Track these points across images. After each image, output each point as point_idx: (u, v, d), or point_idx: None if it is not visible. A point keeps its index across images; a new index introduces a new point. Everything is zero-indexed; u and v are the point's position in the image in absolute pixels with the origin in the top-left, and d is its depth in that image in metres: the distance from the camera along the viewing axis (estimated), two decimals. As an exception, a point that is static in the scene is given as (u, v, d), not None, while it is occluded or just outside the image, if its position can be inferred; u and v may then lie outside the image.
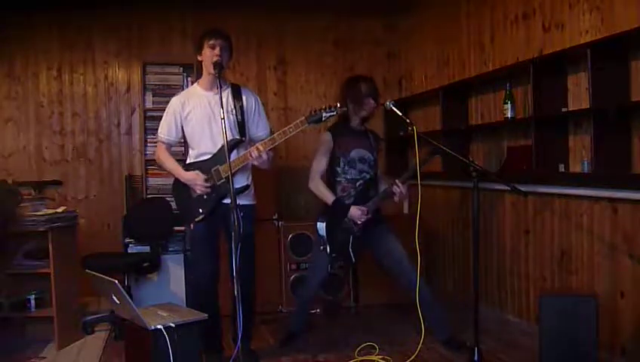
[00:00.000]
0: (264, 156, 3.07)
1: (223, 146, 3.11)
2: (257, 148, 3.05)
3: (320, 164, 3.53)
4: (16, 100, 5.01)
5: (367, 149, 3.54)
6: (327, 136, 3.53)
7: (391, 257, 3.48)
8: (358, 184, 3.49)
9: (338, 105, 3.10)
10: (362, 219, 3.39)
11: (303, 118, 3.07)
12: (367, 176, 3.51)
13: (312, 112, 3.08)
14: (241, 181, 3.18)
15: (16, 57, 5.00)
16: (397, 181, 3.33)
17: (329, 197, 3.45)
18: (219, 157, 3.14)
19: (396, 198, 3.38)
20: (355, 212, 3.39)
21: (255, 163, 3.13)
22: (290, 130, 3.05)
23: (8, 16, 4.81)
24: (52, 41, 5.05)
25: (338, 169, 3.51)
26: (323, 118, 3.07)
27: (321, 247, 3.42)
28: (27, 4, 4.76)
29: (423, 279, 3.41)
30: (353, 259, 3.47)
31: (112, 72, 5.19)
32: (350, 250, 3.43)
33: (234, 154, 3.09)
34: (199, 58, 3.20)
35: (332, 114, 3.08)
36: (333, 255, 3.42)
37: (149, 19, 5.18)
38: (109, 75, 5.18)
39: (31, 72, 5.03)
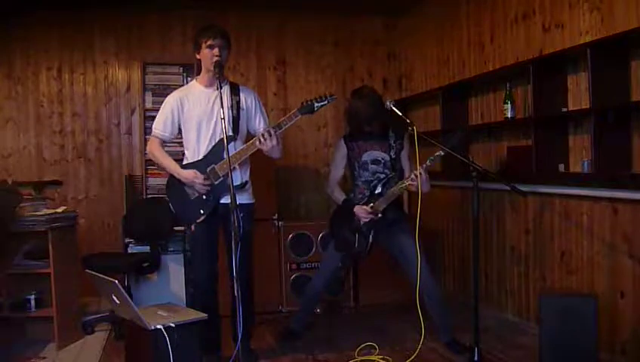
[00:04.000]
0: (273, 141, 3.03)
1: (217, 145, 3.12)
2: (268, 132, 3.02)
3: (335, 171, 3.66)
4: (16, 100, 5.01)
5: (382, 150, 3.54)
6: (340, 144, 3.64)
7: (403, 256, 3.47)
8: (372, 185, 3.51)
9: (328, 94, 3.11)
10: (367, 218, 3.41)
11: (296, 109, 3.09)
12: (382, 177, 3.51)
13: (304, 103, 3.09)
14: (238, 178, 3.17)
15: (16, 57, 5.00)
16: (414, 172, 3.31)
17: (339, 199, 3.58)
18: (213, 155, 3.13)
19: (413, 188, 3.31)
20: (358, 210, 3.44)
21: (264, 148, 3.08)
22: (284, 122, 3.07)
23: (8, 16, 4.81)
24: (52, 41, 5.04)
25: (355, 173, 3.60)
26: (315, 108, 3.08)
27: (334, 242, 3.55)
28: (27, 4, 4.76)
29: (435, 280, 3.45)
30: (361, 251, 3.49)
31: (112, 72, 5.19)
32: (356, 246, 3.47)
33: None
34: (197, 56, 3.18)
35: (323, 103, 3.09)
36: (342, 251, 3.52)
37: (149, 19, 5.18)
38: (109, 75, 5.18)
39: (31, 72, 5.03)
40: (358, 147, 3.56)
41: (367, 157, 3.54)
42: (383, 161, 3.53)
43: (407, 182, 3.31)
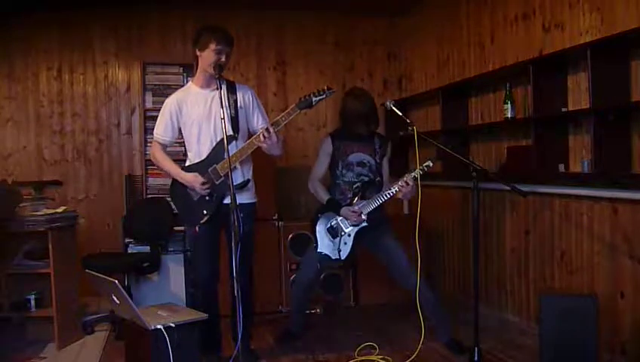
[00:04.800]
0: (273, 139, 3.03)
1: (217, 145, 3.11)
2: (267, 130, 3.01)
3: (319, 167, 3.62)
4: (16, 100, 5.01)
5: (368, 153, 3.56)
6: (326, 141, 3.61)
7: (389, 259, 3.49)
8: (355, 186, 3.51)
9: (326, 87, 3.09)
10: (352, 220, 3.41)
11: (294, 105, 3.08)
12: (366, 179, 3.53)
13: (302, 98, 3.08)
14: (239, 177, 3.17)
15: (16, 57, 4.99)
16: (402, 179, 3.30)
17: (323, 198, 3.53)
18: (214, 155, 3.13)
19: (400, 195, 3.33)
20: (345, 211, 3.43)
21: (264, 146, 3.07)
22: (283, 118, 3.06)
23: (8, 16, 4.81)
24: (52, 41, 5.05)
25: (337, 172, 3.57)
26: (313, 103, 3.06)
27: (314, 245, 3.51)
28: (27, 4, 4.76)
29: (428, 285, 3.44)
30: (341, 257, 3.47)
31: (112, 72, 5.19)
32: (339, 249, 3.45)
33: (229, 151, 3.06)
34: (198, 53, 3.14)
35: (321, 97, 3.07)
36: (323, 253, 3.48)
37: (149, 19, 5.18)
38: (109, 75, 5.18)
39: (31, 72, 5.03)
40: (345, 146, 3.55)
41: (353, 158, 3.54)
42: (368, 165, 3.55)
43: (394, 189, 3.30)
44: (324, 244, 3.49)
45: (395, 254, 3.45)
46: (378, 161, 3.57)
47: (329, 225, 3.48)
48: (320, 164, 3.62)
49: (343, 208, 3.44)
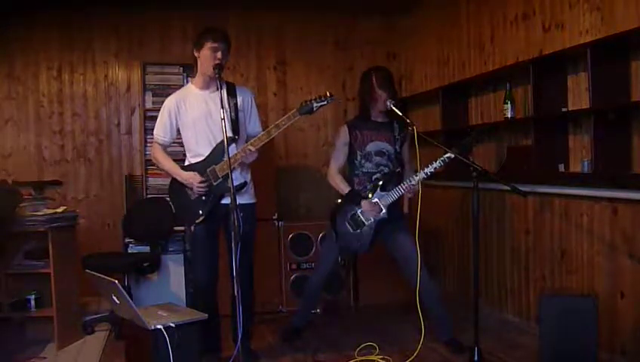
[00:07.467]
0: (256, 154, 3.11)
1: (217, 146, 3.12)
2: (252, 145, 3.08)
3: (337, 159, 3.55)
4: (16, 100, 5.01)
5: (387, 142, 3.47)
6: (343, 130, 3.53)
7: (400, 255, 3.46)
8: (374, 178, 3.44)
9: (328, 94, 3.10)
10: (373, 214, 3.37)
11: (295, 109, 3.09)
12: (386, 170, 3.45)
13: (304, 103, 3.10)
14: (238, 179, 3.17)
15: (17, 57, 4.99)
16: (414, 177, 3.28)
17: (344, 189, 3.46)
18: (214, 156, 3.14)
19: (409, 194, 3.34)
20: (365, 205, 3.37)
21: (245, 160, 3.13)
22: (283, 122, 3.08)
23: (8, 16, 4.81)
24: (52, 41, 5.05)
25: (355, 162, 3.49)
26: (314, 108, 3.08)
27: (334, 236, 3.46)
28: (27, 4, 4.76)
29: (433, 280, 3.44)
30: (361, 248, 3.45)
31: (112, 72, 5.19)
32: (359, 240, 3.41)
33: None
34: (196, 54, 3.17)
35: (323, 103, 3.09)
36: (343, 245, 3.46)
37: (149, 19, 5.18)
38: (109, 75, 5.18)
39: (31, 72, 5.03)
40: (363, 135, 3.47)
41: (371, 147, 3.45)
42: (387, 154, 3.47)
43: (408, 183, 3.27)
44: (344, 236, 3.43)
45: (409, 250, 3.36)
46: (398, 149, 3.49)
47: (349, 217, 3.42)
48: (338, 156, 3.54)
49: (364, 202, 3.37)
